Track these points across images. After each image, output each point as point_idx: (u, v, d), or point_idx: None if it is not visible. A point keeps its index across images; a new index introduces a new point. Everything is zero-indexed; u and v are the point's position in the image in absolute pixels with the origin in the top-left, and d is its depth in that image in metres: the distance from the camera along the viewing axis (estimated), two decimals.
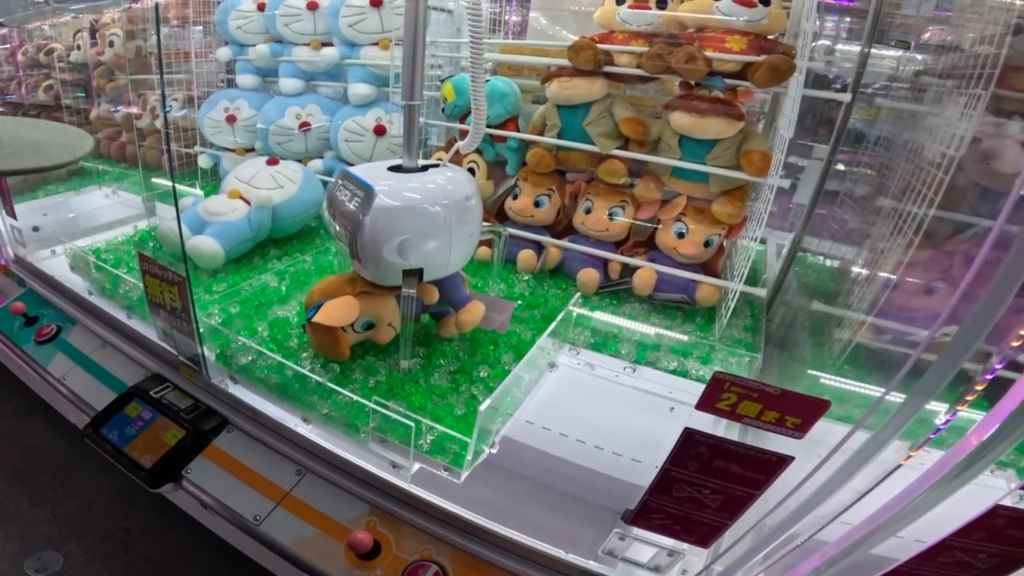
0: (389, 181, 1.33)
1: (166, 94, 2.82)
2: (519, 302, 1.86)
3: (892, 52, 1.76)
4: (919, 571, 0.83)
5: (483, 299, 1.63)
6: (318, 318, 1.40)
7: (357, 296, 1.45)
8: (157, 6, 1.82)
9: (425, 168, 1.41)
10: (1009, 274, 0.68)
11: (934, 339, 1.43)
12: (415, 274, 1.38)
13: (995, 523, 0.75)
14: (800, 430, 0.81)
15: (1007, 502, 0.75)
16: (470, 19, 1.29)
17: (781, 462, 0.85)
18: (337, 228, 1.42)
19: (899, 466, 0.83)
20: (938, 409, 0.79)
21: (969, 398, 0.81)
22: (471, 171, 2.13)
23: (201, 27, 2.76)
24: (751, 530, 1.00)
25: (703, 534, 1.04)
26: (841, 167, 1.82)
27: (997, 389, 0.74)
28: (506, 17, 2.73)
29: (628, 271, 1.93)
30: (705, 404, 0.83)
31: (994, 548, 0.77)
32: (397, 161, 1.43)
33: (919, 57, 1.74)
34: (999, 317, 0.71)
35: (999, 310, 0.71)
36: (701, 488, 0.95)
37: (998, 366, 0.78)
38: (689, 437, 0.87)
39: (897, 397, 0.80)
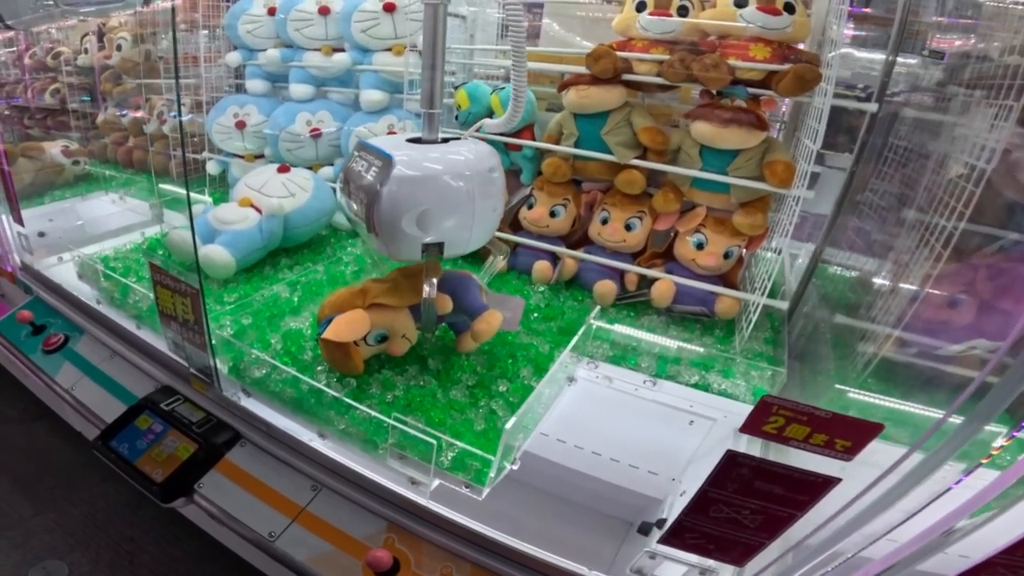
0: (409, 151, 1.28)
1: (172, 100, 2.81)
2: (535, 314, 1.84)
3: (915, 60, 1.74)
4: None
5: (489, 298, 1.59)
6: (327, 334, 1.38)
7: (368, 309, 1.43)
8: (173, 8, 1.80)
9: (445, 140, 1.36)
10: None
11: (962, 354, 1.40)
12: (435, 249, 1.33)
13: None
14: (850, 452, 0.79)
15: None
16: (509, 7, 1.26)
17: (827, 484, 0.82)
18: (352, 204, 1.35)
19: (949, 489, 0.81)
20: (997, 431, 0.76)
21: None
22: None
23: (207, 31, 2.74)
24: (794, 547, 0.98)
25: (739, 553, 1.01)
26: (864, 178, 1.80)
27: None
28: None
29: (645, 283, 1.90)
30: (751, 427, 0.81)
31: None
32: (416, 134, 1.39)
33: (939, 70, 1.72)
34: None
35: None
36: (740, 509, 0.92)
37: None
38: (731, 459, 0.84)
39: (955, 418, 0.78)
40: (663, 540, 1.04)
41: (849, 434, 0.76)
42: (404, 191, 1.24)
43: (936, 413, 0.81)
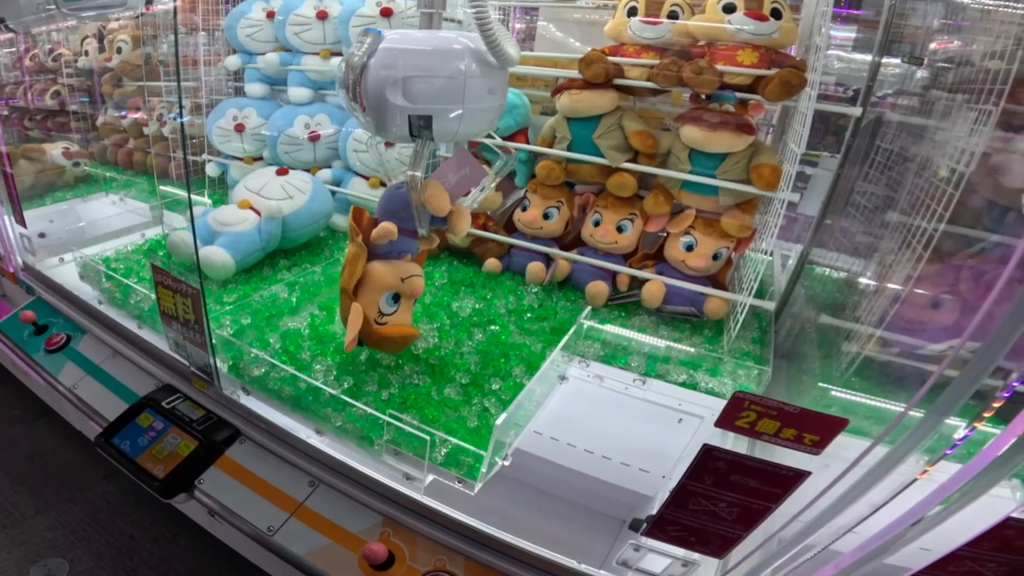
0: (402, 32, 1.28)
1: (171, 102, 2.84)
2: (528, 314, 1.87)
3: (901, 66, 1.77)
4: None
5: (440, 170, 1.50)
6: (348, 347, 1.45)
7: (353, 297, 1.45)
8: (176, 9, 1.82)
9: None
10: None
11: (943, 353, 1.44)
12: (424, 123, 1.28)
13: (1005, 534, 0.76)
14: (818, 447, 0.83)
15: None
16: None
17: (798, 477, 0.86)
18: (348, 94, 1.30)
19: (915, 480, 0.84)
20: (957, 424, 0.80)
21: (987, 415, 0.82)
22: None
23: (206, 33, 2.77)
24: (769, 540, 1.01)
25: (718, 545, 1.05)
26: (850, 180, 1.83)
27: (1014, 405, 0.75)
28: (510, 25, 2.74)
29: (637, 283, 1.94)
30: (724, 422, 0.84)
31: (1003, 558, 0.78)
32: None
33: (923, 74, 1.76)
34: (1020, 334, 0.72)
35: (1020, 327, 0.72)
36: (717, 501, 0.95)
37: (1016, 383, 0.79)
38: (707, 453, 0.88)
39: (916, 412, 0.81)
40: (646, 532, 1.08)
41: (816, 428, 0.80)
42: (390, 60, 1.23)
43: (918, 411, 0.84)
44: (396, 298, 1.51)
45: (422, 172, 1.37)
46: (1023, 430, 0.74)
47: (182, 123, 2.34)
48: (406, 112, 1.26)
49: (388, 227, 1.42)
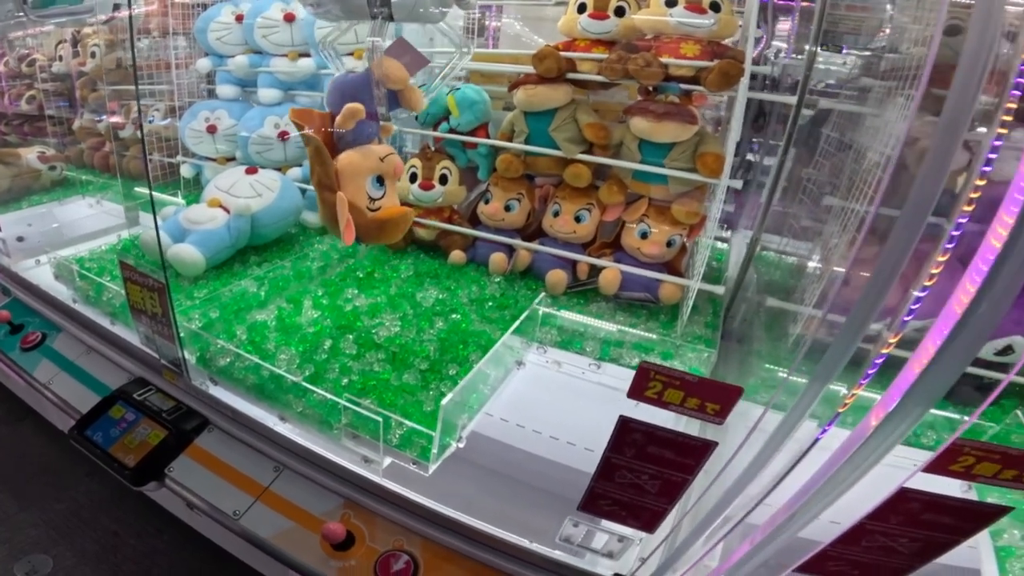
0: None
1: (147, 104, 2.88)
2: (489, 303, 1.93)
3: (838, 55, 1.84)
4: (846, 555, 0.87)
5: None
6: (347, 239, 1.38)
7: (340, 190, 1.38)
8: (131, 17, 1.87)
9: None
10: (892, 253, 0.75)
11: (875, 332, 1.49)
12: None
13: (909, 507, 0.78)
14: (720, 416, 0.88)
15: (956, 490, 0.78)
16: None
17: (706, 447, 0.92)
18: None
19: (815, 442, 0.89)
20: (839, 389, 0.85)
21: (870, 373, 0.86)
22: (443, 178, 2.19)
23: (180, 36, 2.81)
24: (686, 514, 1.07)
25: (647, 519, 1.09)
26: (792, 166, 1.89)
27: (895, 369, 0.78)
28: (486, 23, 2.79)
29: (596, 272, 1.99)
30: (635, 392, 0.90)
31: (914, 532, 0.81)
32: None
33: (858, 60, 1.82)
34: (886, 299, 0.77)
35: (886, 291, 0.76)
36: (640, 474, 1.01)
37: (892, 339, 0.83)
38: (624, 424, 0.94)
39: (803, 379, 0.87)
40: (581, 507, 1.12)
41: (716, 397, 0.86)
42: None
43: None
44: (380, 181, 1.45)
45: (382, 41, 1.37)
46: (900, 396, 0.78)
47: (142, 124, 2.38)
48: None
49: (354, 107, 1.36)
